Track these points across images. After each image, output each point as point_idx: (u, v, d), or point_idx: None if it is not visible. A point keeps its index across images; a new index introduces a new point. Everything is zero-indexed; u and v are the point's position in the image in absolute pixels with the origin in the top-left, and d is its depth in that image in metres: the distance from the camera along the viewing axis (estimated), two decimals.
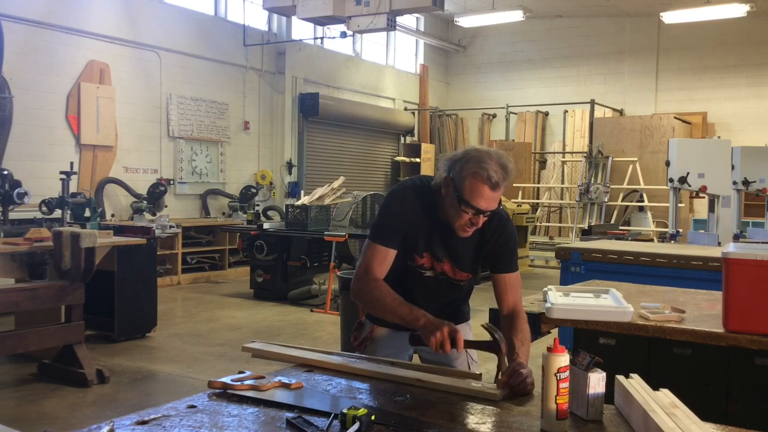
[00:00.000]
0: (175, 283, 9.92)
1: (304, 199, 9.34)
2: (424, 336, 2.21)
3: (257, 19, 12.64)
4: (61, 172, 6.74)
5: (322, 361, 2.28)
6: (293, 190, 12.53)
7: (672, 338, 2.58)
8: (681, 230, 7.52)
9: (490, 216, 2.33)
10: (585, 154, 13.51)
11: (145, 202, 9.21)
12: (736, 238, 7.25)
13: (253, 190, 11.75)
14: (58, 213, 6.74)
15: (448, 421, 1.80)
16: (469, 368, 2.50)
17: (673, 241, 7.04)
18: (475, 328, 2.54)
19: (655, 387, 1.81)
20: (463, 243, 2.42)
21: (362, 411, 1.67)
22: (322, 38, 12.80)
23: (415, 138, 16.36)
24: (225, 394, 1.94)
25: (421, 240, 2.41)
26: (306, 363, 2.28)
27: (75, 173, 7.67)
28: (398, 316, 2.31)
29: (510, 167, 2.25)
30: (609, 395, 1.82)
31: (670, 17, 13.07)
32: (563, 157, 15.68)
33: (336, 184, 9.57)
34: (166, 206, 9.95)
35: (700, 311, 2.81)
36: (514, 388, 2.01)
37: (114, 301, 6.32)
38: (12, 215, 6.43)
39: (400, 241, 2.39)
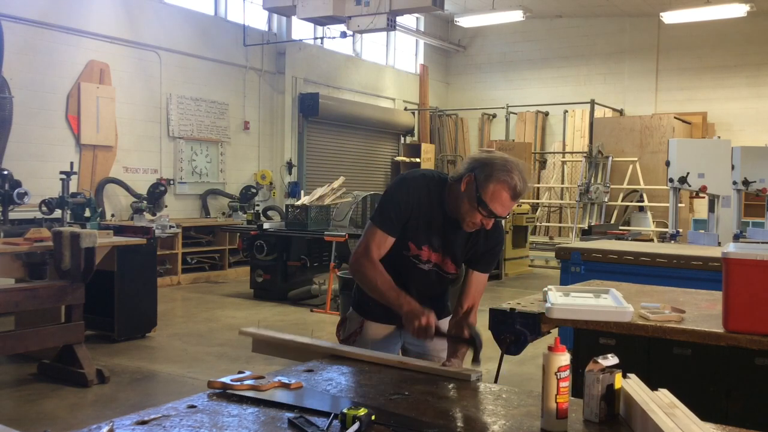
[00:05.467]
0: (175, 283, 9.92)
1: (304, 199, 9.34)
2: (405, 322, 2.34)
3: (257, 19, 12.64)
4: (61, 172, 6.74)
5: (324, 346, 2.31)
6: (293, 190, 12.53)
7: (672, 338, 2.58)
8: (681, 230, 7.52)
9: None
10: (585, 154, 13.51)
11: (145, 202, 9.20)
12: (736, 238, 7.25)
13: (253, 190, 11.75)
14: (58, 213, 6.75)
15: (448, 421, 1.80)
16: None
17: (673, 241, 7.04)
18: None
19: (655, 387, 1.81)
20: (458, 238, 2.49)
21: (362, 411, 1.67)
22: (322, 38, 12.80)
23: (415, 138, 16.36)
24: (225, 394, 1.94)
25: (423, 231, 2.48)
26: (306, 349, 2.30)
27: (75, 173, 7.67)
28: (386, 299, 2.41)
29: (528, 181, 2.39)
30: None
31: (670, 17, 13.07)
32: (563, 157, 15.68)
33: (336, 184, 9.57)
34: (166, 206, 9.95)
35: (700, 311, 2.81)
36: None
37: (114, 301, 6.31)
38: (12, 215, 6.43)
39: (400, 229, 2.46)
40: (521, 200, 13.89)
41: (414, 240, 2.48)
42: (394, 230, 2.46)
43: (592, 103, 14.01)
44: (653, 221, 12.44)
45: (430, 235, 2.48)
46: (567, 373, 1.74)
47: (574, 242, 10.22)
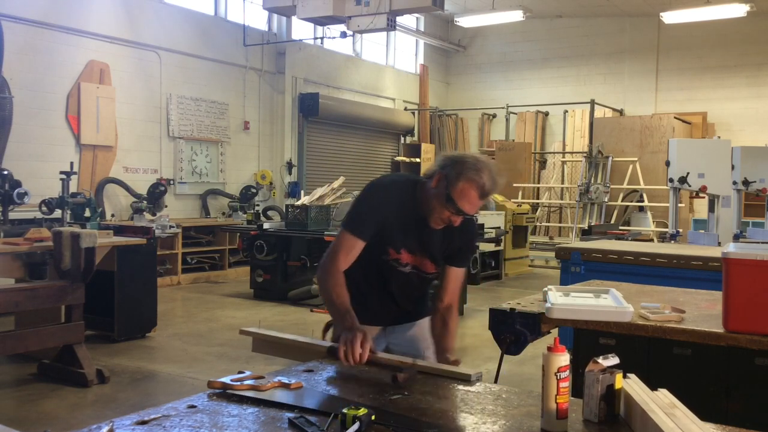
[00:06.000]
0: (175, 283, 9.92)
1: (304, 199, 9.34)
2: (341, 337, 2.25)
3: (257, 19, 12.64)
4: (61, 172, 6.74)
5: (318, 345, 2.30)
6: (293, 190, 12.53)
7: (672, 338, 2.58)
8: (681, 230, 7.51)
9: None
10: (585, 154, 13.51)
11: (145, 202, 9.20)
12: (736, 238, 7.25)
13: (253, 190, 11.75)
14: (58, 213, 6.74)
15: (448, 422, 1.80)
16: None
17: (673, 241, 7.03)
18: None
19: (655, 387, 1.81)
20: (434, 238, 2.53)
21: (362, 411, 1.67)
22: (322, 38, 12.79)
23: (415, 138, 16.36)
24: (225, 394, 1.94)
25: (399, 234, 2.51)
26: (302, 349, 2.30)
27: (75, 173, 7.67)
28: (332, 313, 2.45)
29: (500, 182, 2.41)
30: None
31: (670, 17, 13.08)
32: (563, 157, 15.68)
33: (336, 184, 9.57)
34: (166, 206, 9.94)
35: (700, 311, 2.81)
36: None
37: (114, 301, 6.31)
38: (12, 215, 6.43)
39: (372, 233, 2.47)
40: (522, 200, 13.95)
41: (392, 245, 2.52)
42: (365, 234, 2.46)
43: (592, 103, 14.01)
44: (653, 221, 12.44)
45: (406, 239, 2.52)
46: (567, 373, 1.74)
47: (574, 242, 10.22)
